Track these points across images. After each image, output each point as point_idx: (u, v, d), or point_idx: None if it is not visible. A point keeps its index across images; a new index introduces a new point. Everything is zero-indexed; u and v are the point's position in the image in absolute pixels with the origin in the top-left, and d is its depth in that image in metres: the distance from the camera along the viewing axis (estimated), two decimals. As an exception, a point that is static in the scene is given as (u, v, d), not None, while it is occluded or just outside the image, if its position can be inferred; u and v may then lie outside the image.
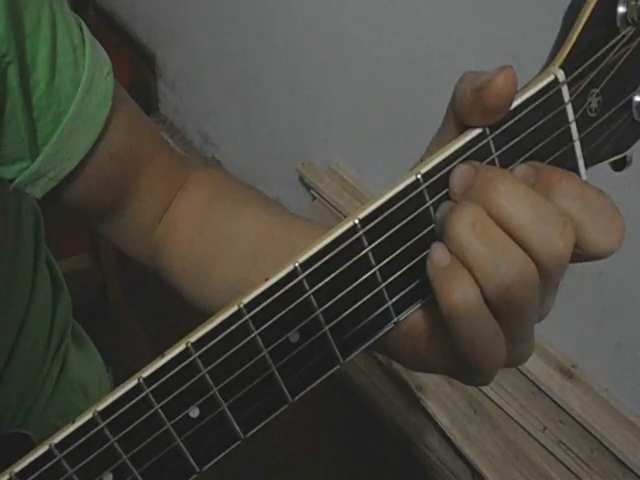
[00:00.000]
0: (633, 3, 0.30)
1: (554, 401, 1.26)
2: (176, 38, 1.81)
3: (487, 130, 0.31)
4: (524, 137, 0.32)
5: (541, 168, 0.31)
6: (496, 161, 0.32)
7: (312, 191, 1.57)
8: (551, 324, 1.23)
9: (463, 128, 0.32)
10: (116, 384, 0.79)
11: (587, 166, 0.34)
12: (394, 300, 0.34)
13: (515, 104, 0.31)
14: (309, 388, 0.34)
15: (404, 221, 0.32)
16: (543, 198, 0.30)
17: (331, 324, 0.33)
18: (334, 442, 1.56)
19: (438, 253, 0.32)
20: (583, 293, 1.16)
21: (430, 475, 1.46)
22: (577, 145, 0.33)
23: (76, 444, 0.34)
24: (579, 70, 0.31)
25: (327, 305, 0.33)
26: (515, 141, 0.32)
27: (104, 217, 0.57)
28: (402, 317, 0.34)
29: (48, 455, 0.34)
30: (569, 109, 0.32)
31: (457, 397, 1.36)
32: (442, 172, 0.31)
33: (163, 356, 0.33)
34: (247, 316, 0.32)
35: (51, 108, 0.48)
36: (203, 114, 1.88)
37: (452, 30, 1.12)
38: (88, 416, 0.33)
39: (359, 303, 0.33)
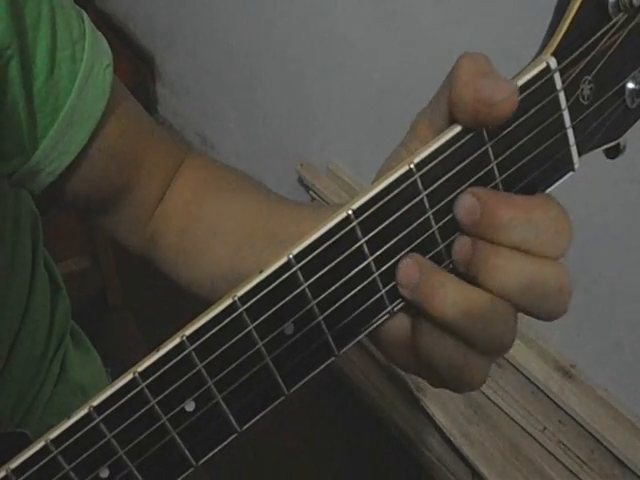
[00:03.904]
0: (625, -10, 0.30)
1: (553, 401, 1.25)
2: (175, 40, 1.81)
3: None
4: (517, 125, 0.32)
5: (486, 200, 0.32)
6: (489, 150, 0.32)
7: (311, 192, 1.57)
8: (550, 324, 1.24)
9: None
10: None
11: (580, 154, 0.34)
12: (387, 289, 0.34)
13: None
14: (305, 380, 0.34)
15: (398, 211, 0.32)
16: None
17: (325, 315, 0.33)
18: (334, 442, 1.56)
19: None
20: (582, 293, 1.15)
21: (430, 475, 1.46)
22: (570, 132, 0.33)
23: (72, 439, 0.34)
24: (571, 57, 0.31)
25: (321, 296, 0.33)
26: (509, 129, 0.32)
27: (102, 211, 0.57)
28: (397, 307, 0.34)
29: (44, 451, 0.34)
30: (561, 96, 0.32)
31: (457, 397, 1.36)
32: (435, 161, 0.31)
33: (158, 350, 0.33)
34: (242, 308, 0.32)
35: (49, 101, 0.48)
36: (202, 115, 1.88)
37: (452, 30, 1.13)
38: (84, 411, 0.33)
39: (353, 293, 0.33)
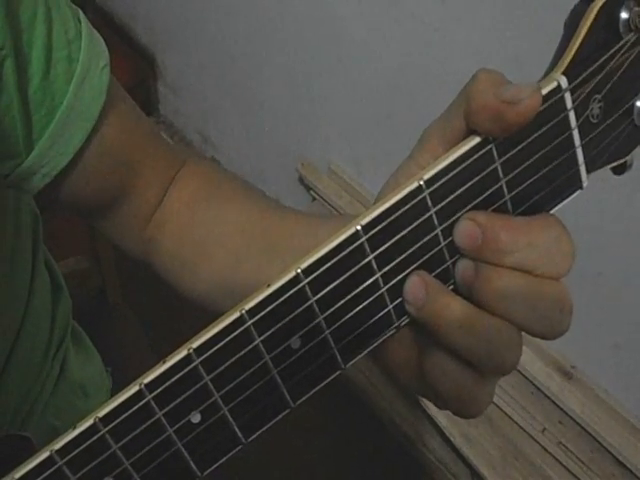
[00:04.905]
0: (636, 9, 0.30)
1: (553, 402, 1.26)
2: (176, 38, 1.81)
3: (490, 137, 0.31)
4: (527, 144, 0.32)
5: (486, 225, 0.32)
6: (499, 168, 0.32)
7: (312, 192, 1.57)
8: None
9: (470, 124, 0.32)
10: (115, 385, 0.79)
11: (589, 172, 0.34)
12: (395, 304, 0.34)
13: None
14: (311, 393, 0.34)
15: (407, 227, 0.32)
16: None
17: (332, 330, 0.33)
18: (334, 442, 1.56)
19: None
20: (582, 293, 1.15)
21: (429, 476, 1.46)
22: (579, 151, 0.33)
23: (77, 450, 0.33)
24: (582, 77, 0.31)
25: (329, 311, 0.33)
26: (518, 148, 0.32)
27: (99, 214, 0.57)
28: (404, 322, 0.34)
29: (49, 461, 0.34)
30: (571, 116, 0.32)
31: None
32: (445, 178, 0.31)
33: (164, 362, 0.33)
34: (249, 322, 0.32)
35: (45, 102, 0.48)
36: (203, 114, 1.88)
37: (453, 31, 1.12)
38: (89, 422, 0.33)
39: (360, 308, 0.33)
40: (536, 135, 0.32)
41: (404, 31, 1.20)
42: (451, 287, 0.34)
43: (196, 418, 0.34)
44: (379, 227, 0.32)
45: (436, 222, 0.32)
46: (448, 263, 0.33)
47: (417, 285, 0.33)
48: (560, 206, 0.34)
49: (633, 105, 0.33)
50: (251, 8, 1.50)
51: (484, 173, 0.32)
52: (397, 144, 1.36)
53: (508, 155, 0.32)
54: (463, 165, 0.31)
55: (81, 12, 0.52)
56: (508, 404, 1.32)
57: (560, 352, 1.27)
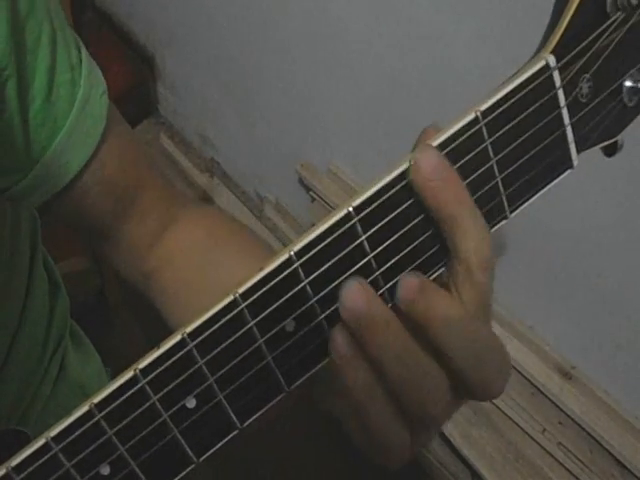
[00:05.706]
0: (623, -11, 0.30)
1: (553, 402, 1.25)
2: (175, 39, 1.81)
3: (480, 116, 0.31)
4: (516, 123, 0.32)
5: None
6: (489, 147, 0.32)
7: (311, 192, 1.57)
8: (550, 325, 1.24)
9: None
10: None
11: (579, 151, 0.34)
12: (389, 286, 0.34)
13: (507, 90, 0.31)
14: (305, 377, 0.35)
15: (397, 208, 0.32)
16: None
17: (327, 312, 0.33)
18: (333, 443, 1.55)
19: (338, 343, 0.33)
20: (582, 294, 1.15)
21: (429, 476, 1.45)
22: (568, 130, 0.33)
23: (73, 437, 0.33)
24: (570, 55, 0.31)
25: (322, 293, 0.33)
26: (508, 127, 0.32)
27: (96, 237, 0.58)
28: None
29: (45, 448, 0.34)
30: (560, 94, 0.32)
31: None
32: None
33: (159, 347, 0.33)
34: (242, 305, 0.32)
35: (47, 124, 0.49)
36: (202, 115, 1.88)
37: (453, 31, 1.12)
38: (84, 408, 0.33)
39: None
40: (526, 114, 0.32)
41: (404, 31, 1.20)
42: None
43: (191, 403, 0.34)
44: (370, 208, 0.32)
45: (421, 209, 0.32)
46: (436, 247, 0.33)
47: (356, 292, 0.32)
48: (551, 185, 0.34)
49: (622, 84, 0.33)
50: (251, 8, 1.50)
51: (474, 152, 0.32)
52: (397, 144, 1.36)
53: (498, 134, 0.32)
54: (453, 144, 0.31)
55: (80, 41, 0.52)
56: (508, 405, 1.31)
57: (560, 352, 1.27)
